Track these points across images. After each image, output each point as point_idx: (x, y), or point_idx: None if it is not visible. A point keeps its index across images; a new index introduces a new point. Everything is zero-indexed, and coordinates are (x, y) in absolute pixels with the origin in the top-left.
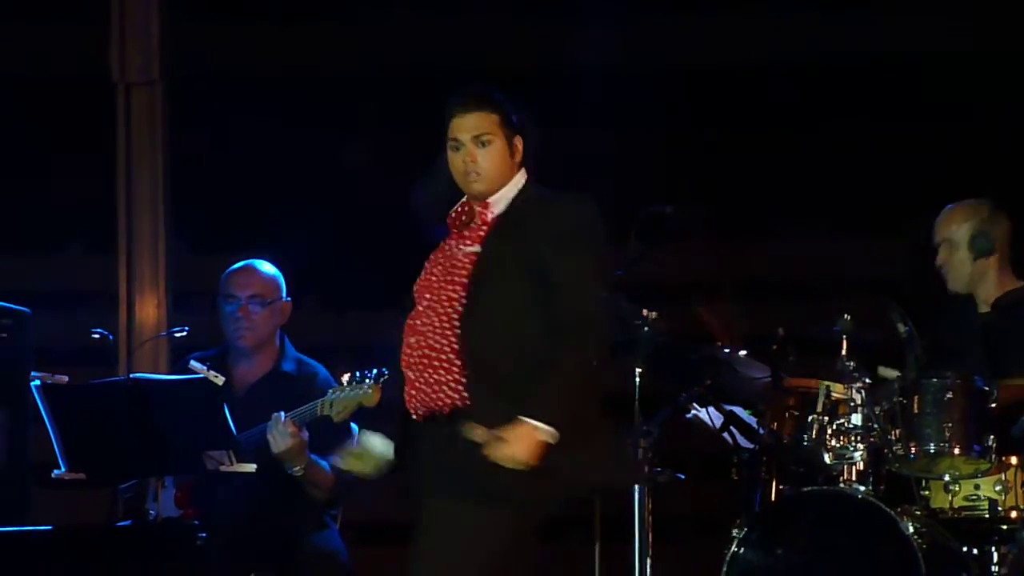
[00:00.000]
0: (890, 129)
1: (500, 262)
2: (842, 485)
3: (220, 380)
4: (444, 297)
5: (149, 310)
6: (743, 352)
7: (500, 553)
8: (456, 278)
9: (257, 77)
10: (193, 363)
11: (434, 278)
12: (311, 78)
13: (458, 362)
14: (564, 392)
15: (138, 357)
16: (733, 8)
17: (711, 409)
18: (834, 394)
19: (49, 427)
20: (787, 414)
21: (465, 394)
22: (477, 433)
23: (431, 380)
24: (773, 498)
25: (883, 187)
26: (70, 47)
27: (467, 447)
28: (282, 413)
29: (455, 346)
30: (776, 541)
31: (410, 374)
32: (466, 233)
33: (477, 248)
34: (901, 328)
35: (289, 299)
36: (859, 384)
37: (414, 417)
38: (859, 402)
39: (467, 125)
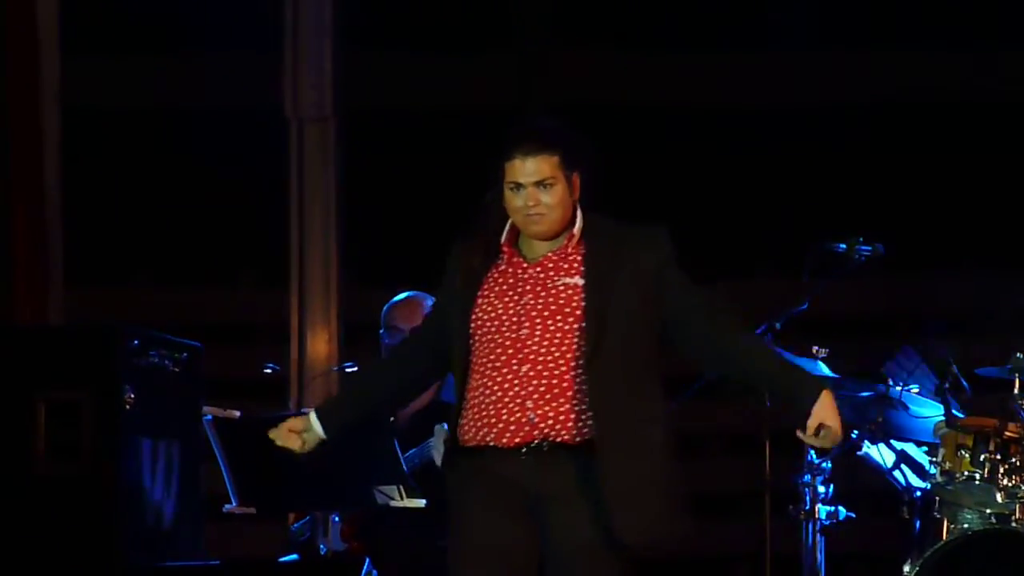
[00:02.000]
0: None
1: (617, 296)
2: (1014, 524)
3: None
4: (558, 328)
5: (320, 345)
6: (915, 389)
7: None
8: (569, 310)
9: (427, 110)
10: None
11: (527, 307)
12: (486, 109)
13: (578, 395)
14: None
15: (310, 391)
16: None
17: (882, 446)
18: (1007, 433)
19: (220, 461)
20: (959, 452)
21: (579, 426)
22: (810, 437)
23: (557, 410)
24: (944, 537)
25: None
26: (245, 80)
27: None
28: (444, 425)
29: (582, 378)
30: None
31: (528, 403)
32: (547, 263)
33: (580, 281)
34: None
35: None
36: None
37: (490, 442)
38: None
39: (529, 170)
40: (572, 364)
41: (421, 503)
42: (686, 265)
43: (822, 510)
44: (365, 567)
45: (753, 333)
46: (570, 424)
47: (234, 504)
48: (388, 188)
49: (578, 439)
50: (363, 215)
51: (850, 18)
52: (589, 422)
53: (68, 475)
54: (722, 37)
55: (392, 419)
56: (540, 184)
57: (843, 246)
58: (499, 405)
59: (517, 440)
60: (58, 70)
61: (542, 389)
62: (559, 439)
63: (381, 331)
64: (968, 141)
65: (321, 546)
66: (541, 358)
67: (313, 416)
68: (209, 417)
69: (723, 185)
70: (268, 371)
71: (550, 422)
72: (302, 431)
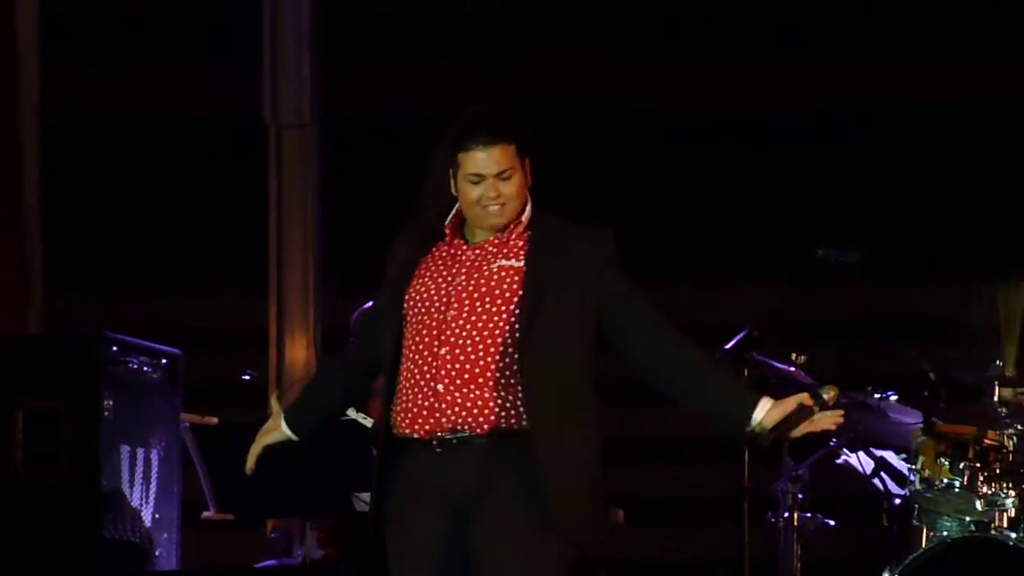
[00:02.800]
0: None
1: (555, 284)
2: (993, 532)
3: (368, 422)
4: (485, 311)
5: (299, 351)
6: (894, 397)
7: None
8: (499, 292)
9: (406, 117)
10: None
11: (459, 288)
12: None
13: (511, 380)
14: None
15: (288, 398)
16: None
17: (861, 454)
18: (986, 440)
19: (199, 468)
20: (938, 460)
21: (513, 413)
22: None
23: (473, 397)
24: (924, 545)
25: None
26: (223, 88)
27: (521, 472)
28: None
29: (505, 364)
30: None
31: (440, 387)
32: (487, 247)
33: (517, 264)
34: None
35: None
36: (1011, 430)
37: (414, 434)
38: (1011, 448)
39: (492, 161)
40: (494, 350)
41: None
42: (665, 268)
43: (801, 517)
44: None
45: (694, 347)
46: (487, 412)
47: (212, 511)
48: (367, 196)
49: (489, 429)
50: (342, 223)
51: (823, 23)
52: (505, 413)
53: (47, 483)
54: (704, 40)
55: (370, 424)
56: (501, 175)
57: (821, 252)
58: (415, 389)
59: (427, 428)
60: (37, 82)
61: (453, 373)
62: (467, 428)
63: (351, 339)
64: (944, 148)
65: (298, 552)
66: (461, 340)
67: (282, 421)
68: (187, 424)
69: (702, 189)
70: (246, 378)
71: (457, 409)
72: (270, 434)
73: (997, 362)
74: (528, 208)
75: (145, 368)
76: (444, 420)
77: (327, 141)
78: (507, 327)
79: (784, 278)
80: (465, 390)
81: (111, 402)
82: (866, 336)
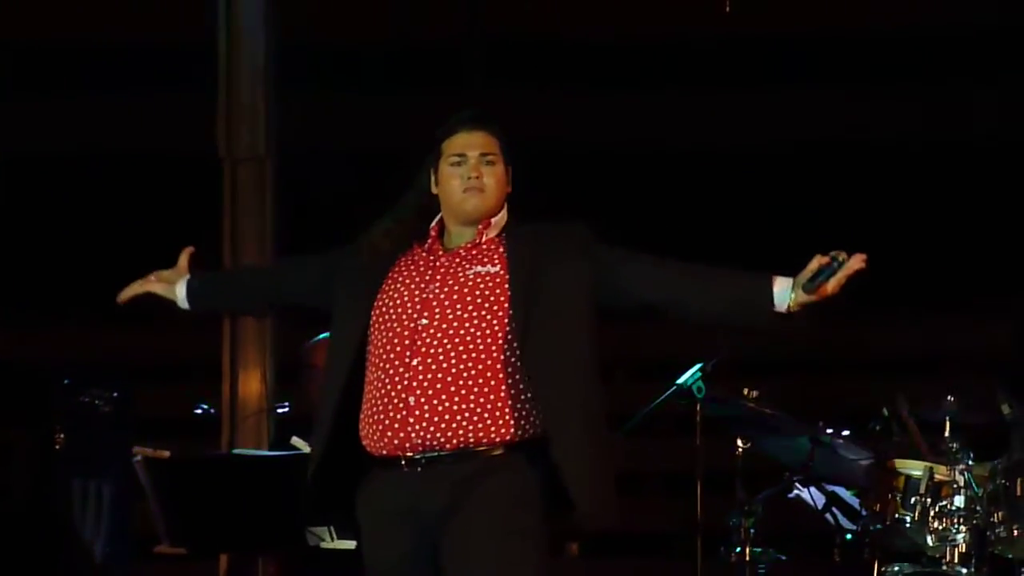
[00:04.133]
0: (1005, 208)
1: (543, 279)
2: (944, 567)
3: None
4: (457, 318)
5: (253, 384)
6: (846, 432)
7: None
8: (472, 299)
9: (364, 150)
10: (295, 439)
11: (430, 296)
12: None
13: (484, 390)
14: None
15: (241, 432)
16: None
17: (813, 489)
18: (937, 476)
19: (151, 501)
20: (890, 495)
21: (481, 427)
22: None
23: (442, 410)
24: None
25: (991, 266)
26: (178, 121)
27: (490, 482)
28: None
29: (478, 371)
30: None
31: (411, 400)
32: (462, 252)
33: (493, 269)
34: (1006, 409)
35: None
36: (962, 466)
37: (383, 451)
38: (962, 484)
39: (475, 142)
40: (467, 357)
41: (351, 544)
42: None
43: (754, 551)
44: None
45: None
46: (454, 427)
47: (165, 544)
48: (322, 229)
49: (457, 445)
50: (297, 254)
51: (781, 58)
52: (473, 427)
53: None
54: (659, 76)
55: None
56: (484, 157)
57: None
58: (384, 401)
59: (395, 443)
60: None
61: (425, 384)
62: (436, 446)
63: (303, 368)
64: (903, 183)
65: None
66: (433, 350)
67: (183, 283)
68: (140, 457)
69: (658, 224)
70: (199, 411)
71: (425, 424)
72: (163, 283)
73: (949, 397)
74: (503, 213)
75: (97, 400)
76: (413, 435)
77: (282, 174)
78: (481, 334)
79: None
80: (435, 402)
81: (63, 434)
82: (819, 371)
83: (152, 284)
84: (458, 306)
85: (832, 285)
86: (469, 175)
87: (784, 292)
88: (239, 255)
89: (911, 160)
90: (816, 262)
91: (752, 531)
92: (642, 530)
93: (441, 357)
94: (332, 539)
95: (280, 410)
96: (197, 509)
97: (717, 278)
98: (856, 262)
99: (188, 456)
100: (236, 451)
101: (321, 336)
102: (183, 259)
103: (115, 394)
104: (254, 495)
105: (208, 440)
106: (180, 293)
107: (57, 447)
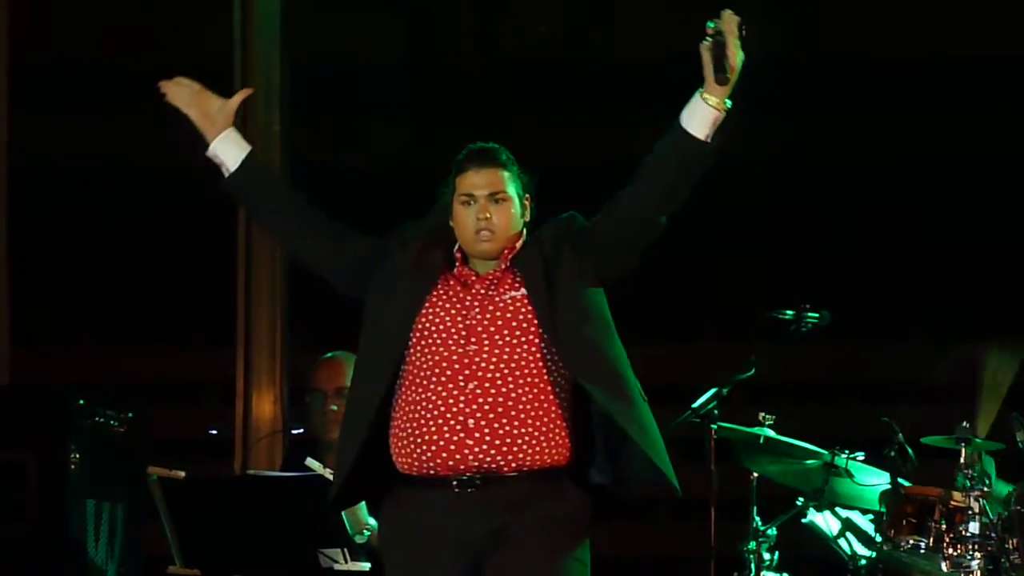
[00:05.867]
0: (1012, 234)
1: (556, 287)
2: None
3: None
4: (507, 343)
5: (266, 406)
6: (861, 457)
7: None
8: (516, 324)
9: (376, 171)
10: (309, 460)
11: (474, 323)
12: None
13: (539, 412)
14: None
15: (254, 453)
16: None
17: (827, 514)
18: (952, 502)
19: (165, 522)
20: (904, 521)
21: (538, 450)
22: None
23: (503, 433)
24: None
25: (1007, 291)
26: (194, 140)
27: (561, 505)
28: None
29: (534, 395)
30: None
31: (470, 423)
32: (490, 278)
33: (521, 293)
34: (1020, 436)
35: None
36: (977, 492)
37: (430, 471)
38: (977, 510)
39: (483, 182)
40: (523, 382)
41: (366, 567)
42: (635, 326)
43: None
44: None
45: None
46: (515, 449)
47: (178, 566)
48: None
49: (516, 467)
50: (309, 277)
51: (792, 82)
52: (531, 449)
53: (13, 535)
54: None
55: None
56: (492, 197)
57: (790, 313)
58: (440, 422)
59: (451, 464)
60: (5, 130)
61: (486, 407)
62: (494, 466)
63: (308, 391)
64: (917, 209)
65: None
66: (490, 375)
67: (236, 145)
68: (154, 478)
69: (671, 249)
70: (213, 432)
71: (485, 447)
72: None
73: (964, 423)
74: (523, 240)
75: (111, 421)
76: (471, 457)
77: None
78: (532, 358)
79: (752, 338)
80: (496, 425)
81: (77, 455)
82: (834, 396)
83: (195, 104)
84: (505, 332)
85: (732, 54)
86: (478, 216)
87: (694, 108)
88: (253, 274)
89: (903, 181)
90: (705, 53)
91: (766, 556)
92: (656, 555)
93: (499, 382)
94: (345, 561)
95: (295, 432)
96: (211, 530)
97: (649, 159)
98: (728, 23)
99: (202, 477)
100: (250, 472)
101: (325, 356)
102: (237, 99)
103: (129, 415)
104: (268, 516)
105: (222, 461)
106: (233, 151)
107: (71, 468)
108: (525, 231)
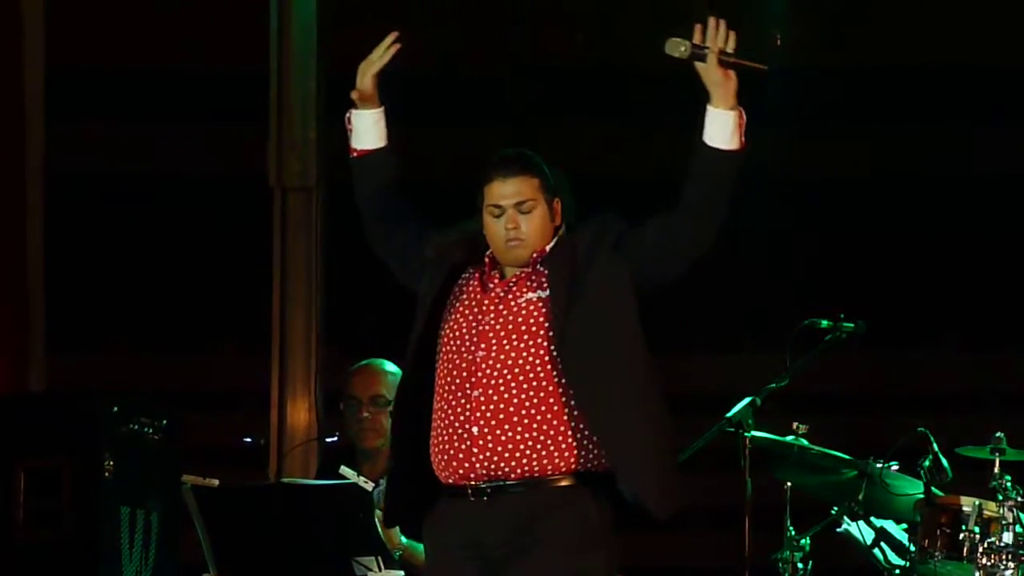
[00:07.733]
0: None
1: (581, 288)
2: None
3: (370, 486)
4: (513, 347)
5: (301, 414)
6: (895, 466)
7: None
8: (526, 327)
9: (411, 181)
10: (344, 469)
11: (485, 328)
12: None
13: (547, 416)
14: None
15: (289, 461)
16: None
17: (862, 524)
18: (986, 512)
19: (199, 530)
20: (938, 531)
21: (544, 455)
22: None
23: (505, 440)
24: None
25: None
26: (229, 148)
27: (564, 510)
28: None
29: (540, 399)
30: None
31: (474, 430)
32: (512, 280)
33: (543, 294)
34: None
35: None
36: (1012, 502)
37: (449, 479)
38: (1011, 520)
39: (509, 191)
40: (527, 387)
41: (400, 575)
42: (670, 338)
43: None
44: None
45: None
46: (518, 456)
47: (212, 574)
48: (370, 259)
49: (521, 475)
50: (345, 285)
51: (832, 94)
52: (537, 455)
53: (47, 543)
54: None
55: (373, 487)
56: (520, 206)
57: (826, 323)
58: (449, 431)
59: (461, 473)
60: (43, 139)
61: (488, 415)
62: (500, 475)
63: (342, 398)
64: (953, 219)
65: None
66: (493, 381)
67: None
68: (188, 486)
69: (706, 260)
70: (248, 440)
71: (489, 454)
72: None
73: (998, 433)
74: (555, 242)
75: (146, 428)
76: (478, 465)
77: (332, 204)
78: (540, 363)
79: (787, 347)
80: (498, 432)
81: (112, 462)
82: (869, 406)
83: (372, 73)
84: (513, 336)
85: (720, 39)
86: (507, 227)
87: (711, 122)
88: (288, 282)
89: (943, 191)
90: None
91: (800, 567)
92: (689, 565)
93: (502, 388)
94: (380, 570)
95: (329, 440)
96: (245, 538)
97: (688, 184)
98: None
99: (236, 484)
100: (285, 480)
101: (359, 364)
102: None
103: (164, 422)
104: (302, 524)
105: (256, 469)
106: (381, 130)
107: (106, 475)
108: (560, 231)
